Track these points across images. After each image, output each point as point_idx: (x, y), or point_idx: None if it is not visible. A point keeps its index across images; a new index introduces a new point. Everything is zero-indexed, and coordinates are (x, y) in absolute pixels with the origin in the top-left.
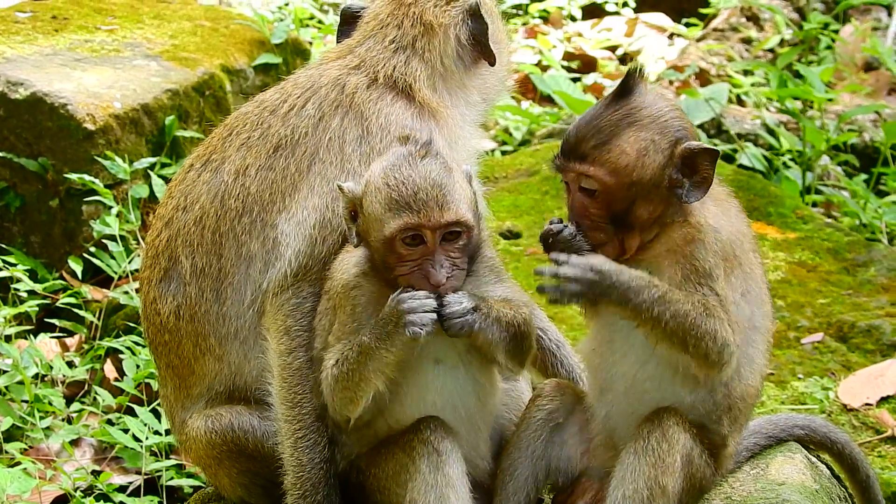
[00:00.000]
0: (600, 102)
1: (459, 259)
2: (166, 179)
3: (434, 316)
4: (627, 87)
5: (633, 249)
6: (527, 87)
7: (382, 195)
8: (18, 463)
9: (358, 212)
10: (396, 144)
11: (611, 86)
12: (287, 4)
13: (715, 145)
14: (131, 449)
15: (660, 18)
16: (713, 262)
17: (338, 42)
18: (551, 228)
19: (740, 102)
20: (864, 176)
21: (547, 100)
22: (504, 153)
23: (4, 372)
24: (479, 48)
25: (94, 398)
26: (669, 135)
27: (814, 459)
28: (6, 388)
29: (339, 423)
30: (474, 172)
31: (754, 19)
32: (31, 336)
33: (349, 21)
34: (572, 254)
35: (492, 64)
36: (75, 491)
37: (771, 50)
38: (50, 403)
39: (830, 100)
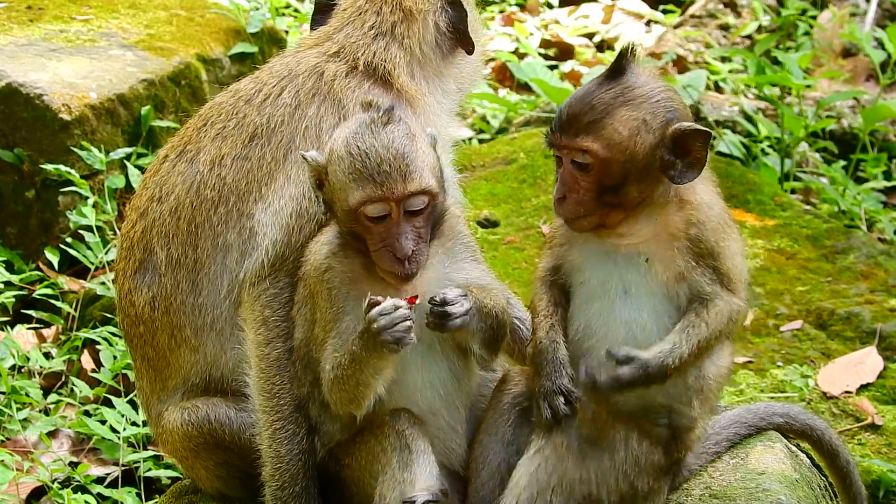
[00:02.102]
0: (593, 80)
1: (423, 228)
2: (143, 170)
3: (409, 325)
4: (620, 66)
5: (615, 224)
6: (504, 75)
7: (346, 165)
8: None
9: (323, 180)
10: (359, 111)
11: (588, 73)
12: None
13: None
14: (109, 440)
15: (637, 5)
16: (714, 239)
17: (311, 31)
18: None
19: (718, 89)
20: (842, 162)
21: (524, 87)
22: (481, 141)
23: None
24: (458, 36)
25: (72, 389)
26: (660, 115)
27: (794, 448)
28: None
29: (344, 418)
30: (440, 138)
31: (732, 6)
32: (8, 327)
33: (323, 10)
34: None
35: (469, 52)
36: (53, 483)
37: (749, 36)
38: (27, 395)
39: (808, 86)
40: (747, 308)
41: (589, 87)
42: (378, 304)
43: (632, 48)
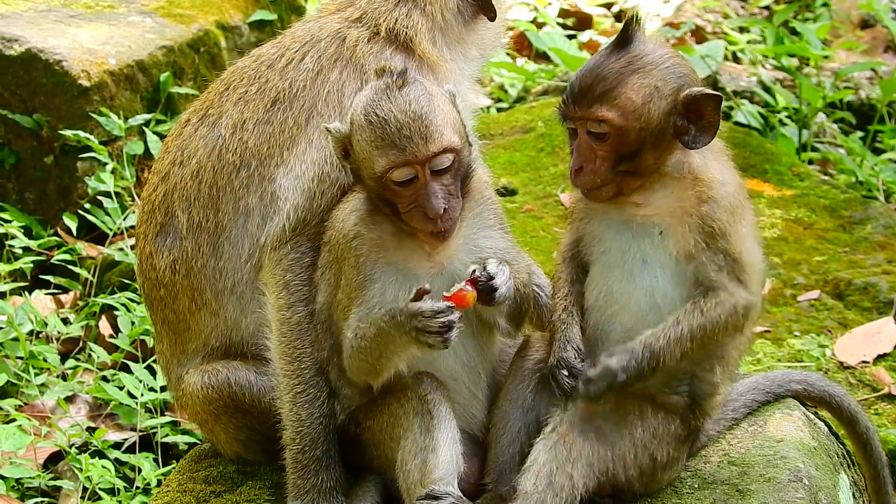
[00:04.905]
0: (601, 51)
1: (452, 185)
2: (161, 136)
3: (451, 332)
4: (627, 35)
5: (632, 192)
6: (522, 45)
7: (367, 133)
8: (13, 419)
9: (349, 149)
10: (373, 78)
11: (606, 43)
12: None
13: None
14: (126, 405)
15: None
16: (726, 218)
17: None
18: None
19: (736, 60)
20: (860, 133)
21: (542, 57)
22: (499, 110)
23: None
24: (479, 2)
25: (89, 355)
26: (671, 82)
27: (812, 416)
28: (1, 344)
29: (358, 385)
30: (460, 93)
31: None
32: (26, 293)
33: None
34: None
35: (492, 19)
36: (70, 447)
37: (767, 7)
38: (45, 360)
39: (826, 57)
40: (757, 302)
41: (598, 59)
42: (425, 292)
43: (637, 17)
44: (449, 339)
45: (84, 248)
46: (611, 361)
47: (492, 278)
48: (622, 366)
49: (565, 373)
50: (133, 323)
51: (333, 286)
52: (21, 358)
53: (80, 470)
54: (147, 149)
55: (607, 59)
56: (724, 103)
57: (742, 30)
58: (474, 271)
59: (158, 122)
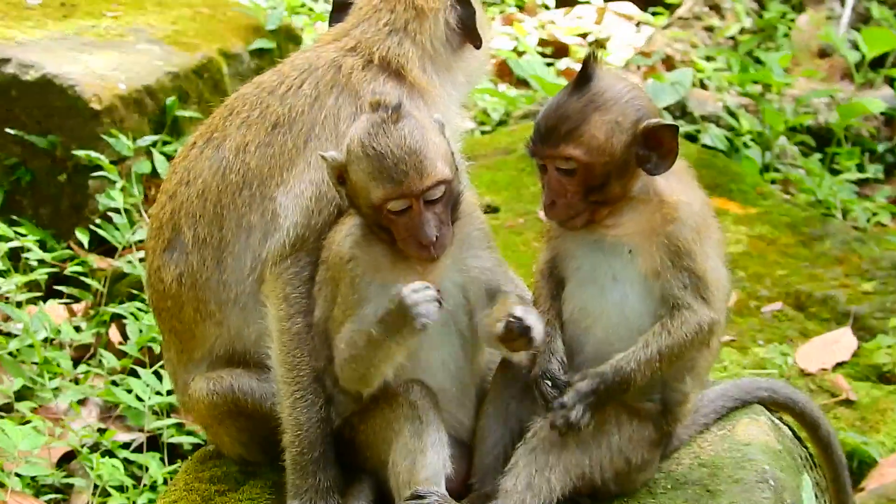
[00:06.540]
0: (564, 90)
1: (443, 213)
2: (167, 156)
3: (437, 304)
4: (586, 74)
5: (603, 218)
6: (504, 71)
7: (364, 165)
8: (29, 421)
9: (345, 177)
10: (368, 111)
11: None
12: None
13: (679, 126)
14: (134, 408)
15: (627, 7)
16: (691, 237)
17: (329, 28)
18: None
19: (703, 86)
20: (819, 155)
21: (523, 83)
22: (483, 133)
23: (16, 336)
24: (466, 32)
25: (100, 361)
26: (631, 115)
27: (777, 421)
28: (17, 350)
29: (351, 393)
30: (450, 122)
31: (716, 8)
32: (41, 302)
33: (340, 8)
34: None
35: (478, 47)
36: (82, 447)
37: (732, 37)
38: (58, 365)
39: (788, 84)
40: (721, 319)
41: (560, 98)
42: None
43: (594, 55)
44: (436, 312)
45: (95, 260)
46: (581, 386)
47: (528, 328)
48: (592, 389)
49: (549, 384)
50: (141, 331)
51: (330, 302)
52: (36, 363)
53: (92, 468)
54: (154, 168)
55: (569, 99)
56: (692, 127)
57: (709, 58)
58: (506, 324)
59: (165, 143)
